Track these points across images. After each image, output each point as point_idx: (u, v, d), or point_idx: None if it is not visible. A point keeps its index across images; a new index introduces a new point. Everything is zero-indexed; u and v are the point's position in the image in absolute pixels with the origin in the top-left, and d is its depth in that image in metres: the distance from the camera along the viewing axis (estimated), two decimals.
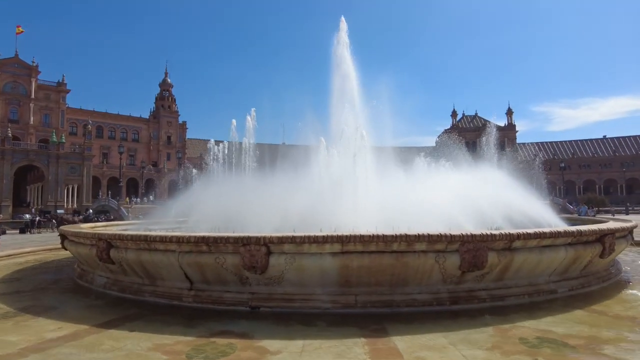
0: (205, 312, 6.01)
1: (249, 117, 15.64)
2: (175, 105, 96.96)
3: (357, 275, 5.98)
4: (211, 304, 6.24)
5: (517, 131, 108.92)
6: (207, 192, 10.70)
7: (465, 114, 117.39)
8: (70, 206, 55.38)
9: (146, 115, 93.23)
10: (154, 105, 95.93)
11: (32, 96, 67.88)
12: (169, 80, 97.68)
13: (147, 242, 6.43)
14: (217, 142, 16.15)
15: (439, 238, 5.91)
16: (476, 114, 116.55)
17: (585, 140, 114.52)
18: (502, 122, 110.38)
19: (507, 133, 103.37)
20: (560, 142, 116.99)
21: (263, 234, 5.86)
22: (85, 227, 10.23)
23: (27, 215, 43.00)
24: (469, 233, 6.07)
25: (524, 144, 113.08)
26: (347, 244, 5.77)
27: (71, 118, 77.36)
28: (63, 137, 59.84)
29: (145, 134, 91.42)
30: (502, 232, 6.29)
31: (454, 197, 9.74)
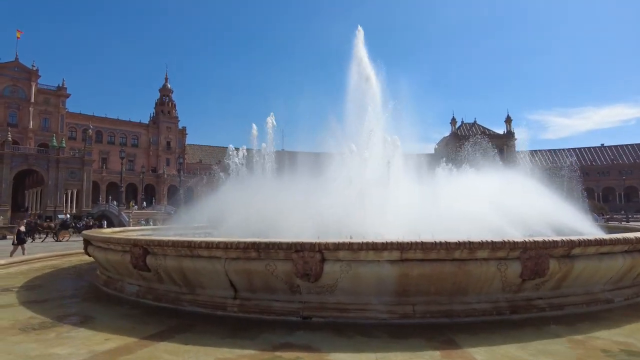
0: (254, 323, 5.68)
1: (269, 121, 15.31)
2: (175, 110, 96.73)
3: (416, 284, 5.68)
4: (258, 313, 5.91)
5: (516, 139, 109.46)
6: (231, 198, 10.35)
7: (464, 122, 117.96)
8: (70, 211, 54.68)
9: (146, 120, 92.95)
10: (153, 110, 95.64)
11: (32, 100, 67.38)
12: (169, 85, 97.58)
13: (189, 248, 6.10)
14: (236, 149, 15.88)
15: (502, 245, 5.64)
16: (475, 121, 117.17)
17: (583, 148, 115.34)
18: (501, 130, 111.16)
19: (506, 141, 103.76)
20: (558, 150, 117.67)
21: (318, 240, 5.55)
22: (109, 233, 9.85)
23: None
24: (531, 240, 5.80)
25: (521, 151, 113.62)
26: (406, 251, 5.48)
27: (70, 123, 76.84)
28: (63, 142, 59.35)
29: (144, 140, 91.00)
30: (563, 238, 6.03)
31: (487, 204, 9.48)
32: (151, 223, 44.03)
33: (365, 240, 5.45)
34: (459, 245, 5.50)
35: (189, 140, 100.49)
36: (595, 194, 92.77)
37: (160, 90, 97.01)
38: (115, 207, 56.45)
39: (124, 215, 52.24)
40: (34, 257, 13.74)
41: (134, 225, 42.05)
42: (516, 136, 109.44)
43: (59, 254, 15.06)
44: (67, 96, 73.28)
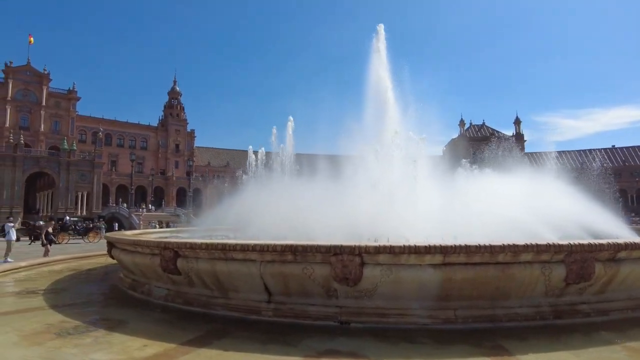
0: (290, 328, 5.53)
1: (289, 125, 15.21)
2: (184, 113, 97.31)
3: (458, 289, 5.51)
4: (294, 318, 5.77)
5: (525, 140, 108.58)
6: (252, 200, 10.20)
7: (473, 123, 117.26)
8: (80, 213, 55.05)
9: (155, 123, 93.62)
10: (162, 113, 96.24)
11: (43, 103, 68.12)
12: (177, 88, 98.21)
13: (223, 251, 5.97)
14: (255, 152, 15.84)
15: (547, 248, 5.46)
16: (483, 123, 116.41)
17: (594, 149, 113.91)
18: (509, 132, 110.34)
19: (516, 143, 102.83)
20: (569, 151, 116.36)
21: (357, 243, 5.40)
22: (131, 235, 9.77)
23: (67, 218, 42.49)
24: (576, 242, 5.61)
25: (531, 153, 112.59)
26: (449, 255, 5.31)
27: (80, 125, 77.55)
28: (74, 144, 59.84)
29: (153, 142, 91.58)
30: (609, 241, 5.83)
31: (518, 206, 9.26)
32: (156, 225, 44.17)
33: (407, 244, 5.29)
34: (503, 248, 5.33)
35: (197, 142, 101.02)
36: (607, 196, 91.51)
37: (169, 93, 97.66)
38: (125, 210, 56.79)
39: (134, 217, 52.50)
40: (53, 259, 13.75)
41: (144, 227, 42.11)
42: (525, 137, 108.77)
43: (77, 256, 15.08)
44: (78, 99, 74.01)
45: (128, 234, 10.44)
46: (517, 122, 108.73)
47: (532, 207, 9.23)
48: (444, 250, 5.27)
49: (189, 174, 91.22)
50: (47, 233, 15.89)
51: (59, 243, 28.56)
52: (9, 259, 15.70)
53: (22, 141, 54.56)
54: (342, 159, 14.21)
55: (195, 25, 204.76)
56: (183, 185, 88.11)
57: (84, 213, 56.57)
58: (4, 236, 16.74)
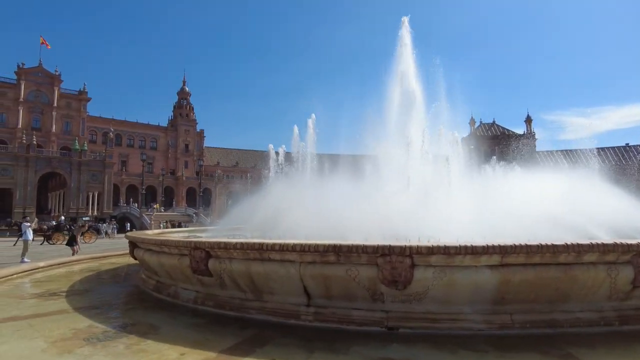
0: (334, 334, 5.16)
1: (310, 122, 14.81)
2: (193, 113, 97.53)
3: (515, 292, 5.08)
4: (336, 323, 5.38)
5: (536, 139, 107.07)
6: (280, 200, 9.81)
7: (483, 122, 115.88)
8: (91, 213, 55.32)
9: (164, 123, 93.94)
10: (172, 113, 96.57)
11: (55, 104, 68.61)
12: (187, 88, 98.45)
13: (260, 251, 5.60)
14: (276, 152, 15.53)
15: (613, 247, 5.01)
16: (494, 121, 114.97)
17: (607, 147, 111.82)
18: (520, 130, 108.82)
19: (527, 141, 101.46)
20: (581, 150, 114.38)
21: (408, 243, 5.00)
22: (152, 235, 9.46)
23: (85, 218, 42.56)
24: None
25: (542, 151, 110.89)
26: (508, 255, 4.89)
27: (90, 126, 78.03)
28: (85, 145, 60.13)
29: (163, 142, 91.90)
30: None
31: (555, 204, 8.78)
32: (168, 226, 44.07)
33: (462, 243, 4.88)
34: (566, 248, 4.89)
35: (206, 142, 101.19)
36: None
37: (178, 94, 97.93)
38: (136, 209, 56.95)
39: (145, 217, 52.55)
40: (71, 259, 13.55)
41: (155, 227, 41.94)
42: (537, 136, 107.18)
43: (94, 256, 14.88)
44: (88, 100, 74.45)
45: (150, 233, 10.14)
46: (529, 120, 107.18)
47: (573, 205, 8.75)
48: (502, 250, 4.85)
49: (198, 173, 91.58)
50: (74, 236, 15.74)
51: (54, 243, 27.81)
52: (25, 259, 15.56)
53: (34, 142, 54.95)
54: (360, 158, 13.84)
55: (204, 26, 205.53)
56: (193, 185, 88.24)
57: (95, 213, 56.85)
58: (20, 236, 16.60)
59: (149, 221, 51.23)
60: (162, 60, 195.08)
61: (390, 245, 4.98)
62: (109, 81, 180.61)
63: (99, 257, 14.84)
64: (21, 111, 65.20)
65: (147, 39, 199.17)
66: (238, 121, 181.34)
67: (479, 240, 5.04)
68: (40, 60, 68.39)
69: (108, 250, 19.59)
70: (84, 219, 44.91)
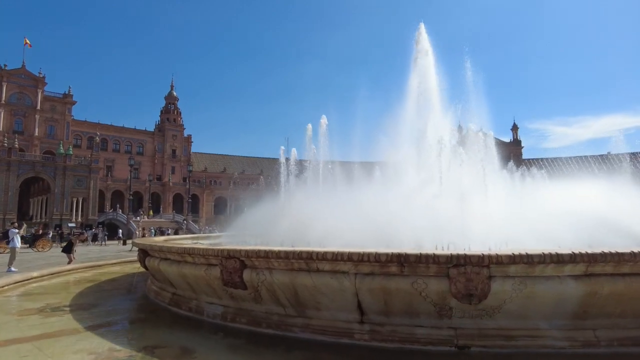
0: (394, 354, 4.55)
1: (323, 123, 14.13)
2: (181, 118, 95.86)
3: (600, 305, 4.55)
4: (397, 342, 4.75)
5: (522, 147, 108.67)
6: (307, 206, 9.10)
7: (470, 130, 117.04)
8: (76, 219, 53.38)
9: (151, 128, 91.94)
10: (159, 118, 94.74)
11: (38, 107, 66.39)
12: (174, 93, 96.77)
13: (307, 261, 4.95)
14: (287, 159, 14.85)
15: None
16: (481, 129, 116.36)
17: (590, 156, 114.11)
18: (506, 138, 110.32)
19: (513, 149, 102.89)
20: (565, 158, 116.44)
21: (486, 252, 4.42)
22: (160, 242, 8.66)
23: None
24: None
25: (529, 159, 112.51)
26: (595, 264, 4.36)
27: (75, 130, 75.78)
28: (70, 149, 58.21)
29: (150, 147, 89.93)
30: None
31: (596, 208, 8.35)
32: (151, 232, 42.68)
33: (546, 251, 4.32)
34: None
35: (193, 148, 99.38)
36: None
37: (165, 98, 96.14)
38: (123, 216, 55.19)
39: (132, 223, 50.91)
40: (65, 268, 12.56)
41: (143, 235, 40.25)
42: (522, 144, 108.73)
43: (89, 265, 13.93)
44: (73, 103, 72.34)
45: (157, 239, 9.30)
46: (515, 128, 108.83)
47: (613, 207, 8.34)
48: (590, 258, 4.31)
49: (185, 179, 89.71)
50: (71, 243, 14.54)
51: (39, 251, 26.45)
52: (13, 268, 14.45)
53: (16, 145, 52.89)
54: (367, 165, 13.33)
55: (193, 30, 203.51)
56: (180, 192, 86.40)
57: (80, 219, 54.91)
58: (7, 243, 15.46)
59: (136, 227, 49.59)
60: (150, 64, 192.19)
61: (465, 255, 4.39)
62: (95, 85, 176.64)
63: (94, 267, 13.89)
64: (2, 114, 62.82)
65: (135, 43, 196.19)
66: (226, 127, 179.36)
67: (563, 248, 4.50)
68: (23, 62, 66.29)
69: (103, 258, 18.54)
70: (69, 225, 43.22)
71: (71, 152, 57.19)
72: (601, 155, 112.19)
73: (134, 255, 18.84)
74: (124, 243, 31.64)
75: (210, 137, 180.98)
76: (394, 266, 4.62)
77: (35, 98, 66.53)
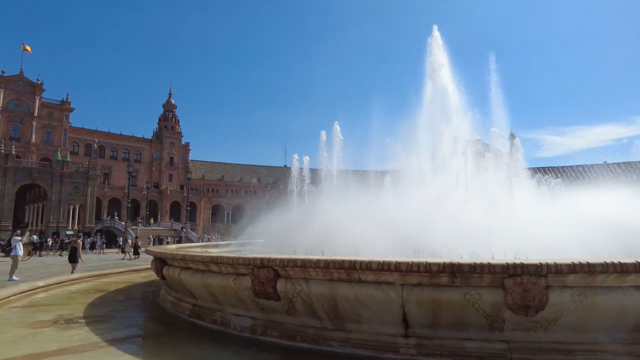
0: None
1: (336, 128, 13.85)
2: (179, 126, 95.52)
3: None
4: (446, 356, 4.49)
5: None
6: (331, 214, 8.82)
7: (466, 139, 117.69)
8: (72, 227, 52.59)
9: (149, 135, 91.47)
10: (157, 125, 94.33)
11: (35, 114, 65.75)
12: (172, 101, 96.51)
13: (348, 271, 4.68)
14: (300, 168, 14.58)
15: None
16: (479, 139, 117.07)
17: (586, 165, 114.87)
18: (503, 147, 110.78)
19: (514, 157, 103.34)
20: (562, 167, 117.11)
21: (544, 260, 4.18)
22: (174, 249, 8.33)
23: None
24: None
25: (529, 168, 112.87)
26: None
27: (73, 137, 75.14)
28: (68, 156, 57.60)
29: (147, 155, 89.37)
30: None
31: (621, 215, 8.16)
32: (151, 240, 42.10)
33: (608, 260, 4.09)
34: None
35: (191, 156, 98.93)
36: None
37: (163, 106, 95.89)
38: (120, 224, 54.49)
39: (130, 232, 50.20)
40: (70, 277, 12.19)
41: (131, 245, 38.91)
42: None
43: (94, 274, 13.55)
44: (71, 110, 71.80)
45: (170, 247, 8.96)
46: (512, 137, 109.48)
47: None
48: None
49: (183, 187, 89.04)
50: (74, 249, 14.02)
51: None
52: (14, 277, 14.02)
53: (13, 152, 52.25)
54: (379, 174, 13.15)
55: (192, 38, 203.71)
56: (177, 199, 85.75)
57: (76, 227, 54.10)
58: (9, 251, 15.01)
59: (134, 236, 48.89)
60: (148, 71, 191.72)
61: (522, 264, 4.15)
62: (93, 92, 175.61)
63: (100, 275, 13.51)
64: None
65: (133, 50, 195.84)
66: (223, 134, 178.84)
67: (627, 257, 4.27)
68: (21, 68, 65.78)
69: (105, 267, 18.13)
70: (67, 233, 42.53)
71: (69, 159, 56.58)
72: (597, 165, 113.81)
73: (137, 264, 18.39)
74: (123, 251, 30.89)
75: (207, 145, 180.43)
76: (445, 277, 4.37)
77: (32, 105, 65.94)
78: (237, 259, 5.58)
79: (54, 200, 52.79)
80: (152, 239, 42.79)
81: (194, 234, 61.05)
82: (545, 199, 9.37)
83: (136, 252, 30.26)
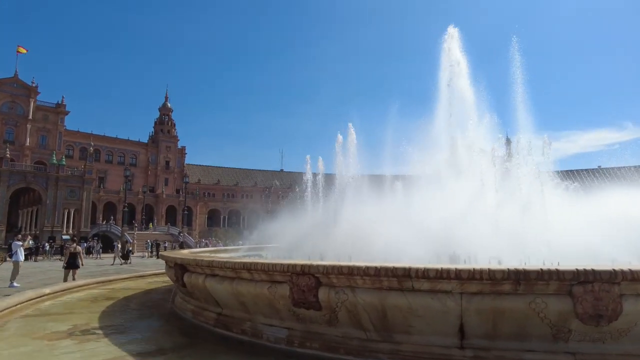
0: None
1: (351, 131, 13.57)
2: (175, 130, 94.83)
3: None
4: None
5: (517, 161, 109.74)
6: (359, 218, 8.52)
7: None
8: (66, 231, 51.71)
9: (145, 139, 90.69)
10: (152, 129, 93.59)
11: (30, 117, 64.94)
12: (169, 104, 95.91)
13: (400, 279, 4.38)
14: (314, 174, 14.33)
15: None
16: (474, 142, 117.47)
17: (581, 170, 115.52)
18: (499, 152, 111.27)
19: (510, 162, 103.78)
20: (556, 172, 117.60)
21: (618, 266, 3.90)
22: (201, 255, 7.95)
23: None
24: None
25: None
26: None
27: (67, 140, 74.27)
28: (63, 159, 56.79)
29: (143, 159, 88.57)
30: None
31: None
32: (149, 245, 41.49)
33: None
34: None
35: (187, 159, 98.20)
36: None
37: (160, 109, 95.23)
38: (117, 228, 53.71)
39: (127, 236, 49.50)
40: (76, 284, 11.72)
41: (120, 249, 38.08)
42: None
43: (99, 280, 13.07)
44: (66, 113, 71.02)
45: (184, 252, 8.56)
46: (508, 142, 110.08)
47: None
48: None
49: (179, 191, 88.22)
50: (73, 255, 13.42)
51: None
52: (15, 284, 13.54)
53: (7, 155, 51.40)
54: (391, 178, 12.92)
55: (188, 40, 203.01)
56: (173, 204, 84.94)
57: (71, 231, 53.23)
58: (10, 256, 14.50)
59: (131, 240, 48.20)
60: (144, 75, 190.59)
61: (593, 270, 3.88)
62: (88, 95, 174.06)
63: (105, 282, 13.04)
64: None
65: (129, 53, 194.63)
66: (220, 138, 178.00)
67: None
68: (16, 71, 64.98)
69: (107, 272, 17.64)
70: (63, 237, 41.76)
71: (64, 163, 55.77)
72: (592, 169, 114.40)
73: (140, 270, 17.86)
74: (124, 257, 29.94)
75: (203, 149, 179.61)
76: (507, 284, 4.08)
77: (27, 107, 65.13)
78: (274, 265, 5.24)
79: (49, 204, 51.95)
80: (150, 243, 42.08)
81: (191, 238, 60.34)
82: (571, 201, 9.15)
83: (126, 257, 29.50)
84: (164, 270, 16.61)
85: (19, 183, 51.30)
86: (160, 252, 13.51)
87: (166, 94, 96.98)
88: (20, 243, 14.41)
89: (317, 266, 4.84)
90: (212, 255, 8.66)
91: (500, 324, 4.25)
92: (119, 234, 50.50)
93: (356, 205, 10.36)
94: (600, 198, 9.66)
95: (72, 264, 13.33)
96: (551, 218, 7.52)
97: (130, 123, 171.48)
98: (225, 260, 6.07)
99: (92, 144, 67.75)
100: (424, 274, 4.24)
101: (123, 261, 29.14)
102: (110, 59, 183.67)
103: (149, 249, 39.45)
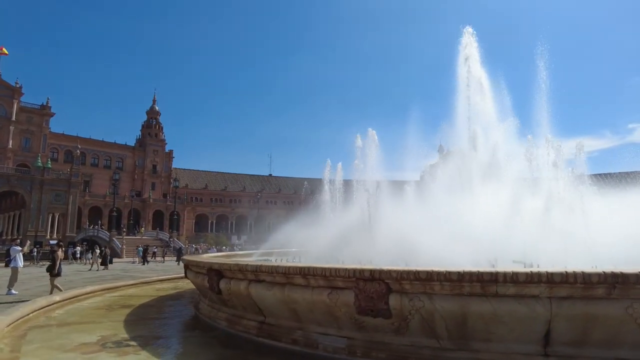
0: None
1: (372, 134, 13.28)
2: (162, 133, 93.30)
3: None
4: None
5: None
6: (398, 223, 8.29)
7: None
8: (51, 236, 50.01)
9: (132, 143, 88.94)
10: (140, 132, 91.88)
11: (13, 118, 62.92)
12: (156, 107, 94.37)
13: (485, 284, 4.15)
14: (330, 181, 14.11)
15: None
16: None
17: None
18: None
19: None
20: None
21: None
22: (247, 260, 7.57)
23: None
24: None
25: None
26: None
27: (52, 143, 72.20)
28: (49, 162, 55.13)
29: (130, 162, 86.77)
30: None
31: None
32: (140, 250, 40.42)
33: None
34: None
35: (174, 164, 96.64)
36: None
37: (147, 112, 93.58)
38: (104, 233, 52.21)
39: (116, 241, 48.19)
40: (82, 291, 11.13)
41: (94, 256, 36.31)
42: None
43: (106, 287, 12.53)
44: (52, 115, 69.11)
45: (215, 256, 8.16)
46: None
47: None
48: None
49: (166, 195, 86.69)
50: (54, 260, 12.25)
51: None
52: (13, 291, 12.83)
53: None
54: (399, 184, 12.79)
55: (176, 43, 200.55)
56: (160, 208, 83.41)
57: (56, 236, 51.50)
58: (8, 262, 13.73)
59: (120, 245, 46.90)
60: (132, 77, 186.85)
61: None
62: (74, 97, 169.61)
63: (111, 289, 12.47)
64: None
65: (116, 55, 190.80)
66: (207, 142, 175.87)
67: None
68: None
69: (104, 278, 16.97)
70: (50, 242, 40.26)
71: (49, 166, 54.14)
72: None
73: (146, 276, 17.19)
74: (103, 263, 28.52)
75: (190, 153, 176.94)
76: (601, 288, 3.90)
77: (10, 108, 63.12)
78: (336, 270, 4.94)
79: (33, 209, 50.23)
80: (141, 248, 40.90)
81: (181, 243, 59.15)
82: (605, 203, 9.13)
83: (104, 263, 28.54)
84: (168, 277, 16.21)
85: (2, 186, 49.52)
86: (182, 257, 12.83)
87: (154, 97, 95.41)
88: (19, 248, 13.67)
89: (389, 271, 4.57)
90: (257, 260, 8.30)
91: (591, 330, 4.06)
92: (107, 239, 49.14)
93: (394, 211, 10.11)
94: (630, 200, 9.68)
95: (59, 272, 12.32)
96: (593, 220, 7.45)
97: (117, 126, 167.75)
98: (275, 265, 5.75)
99: (79, 146, 65.96)
100: (513, 278, 4.03)
101: (102, 267, 28.24)
102: (97, 62, 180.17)
103: (140, 255, 38.33)
